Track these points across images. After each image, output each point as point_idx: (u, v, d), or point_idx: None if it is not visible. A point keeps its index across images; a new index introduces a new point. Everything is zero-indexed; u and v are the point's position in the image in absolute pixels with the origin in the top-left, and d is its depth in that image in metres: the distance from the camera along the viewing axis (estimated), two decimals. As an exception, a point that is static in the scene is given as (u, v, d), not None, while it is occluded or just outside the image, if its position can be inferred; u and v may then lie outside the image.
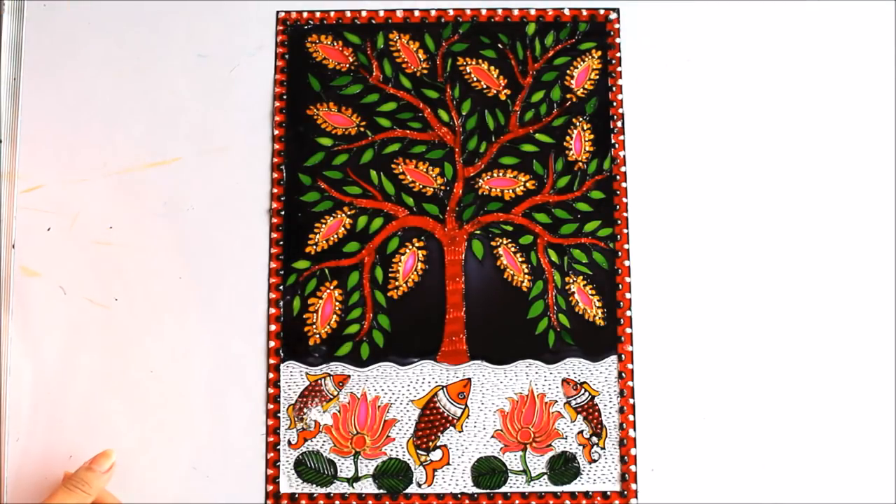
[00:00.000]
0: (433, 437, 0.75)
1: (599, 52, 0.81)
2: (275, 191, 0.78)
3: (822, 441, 0.75)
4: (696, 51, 0.81)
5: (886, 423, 0.75)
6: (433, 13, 0.81)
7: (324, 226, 0.78)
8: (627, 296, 0.77)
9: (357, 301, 0.77)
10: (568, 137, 0.79)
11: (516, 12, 0.81)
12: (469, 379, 0.76)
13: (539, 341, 0.76)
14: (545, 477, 0.74)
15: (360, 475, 0.74)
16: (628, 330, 0.76)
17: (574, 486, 0.74)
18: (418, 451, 0.75)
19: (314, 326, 0.76)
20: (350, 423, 0.75)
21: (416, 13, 0.81)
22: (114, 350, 0.76)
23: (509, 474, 0.74)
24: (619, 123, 0.79)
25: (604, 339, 0.76)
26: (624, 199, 0.78)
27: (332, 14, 0.81)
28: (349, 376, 0.76)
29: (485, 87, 0.80)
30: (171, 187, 0.78)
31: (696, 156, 0.79)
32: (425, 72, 0.80)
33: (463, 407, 0.75)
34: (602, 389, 0.76)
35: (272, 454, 0.75)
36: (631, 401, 0.75)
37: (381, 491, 0.74)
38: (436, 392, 0.75)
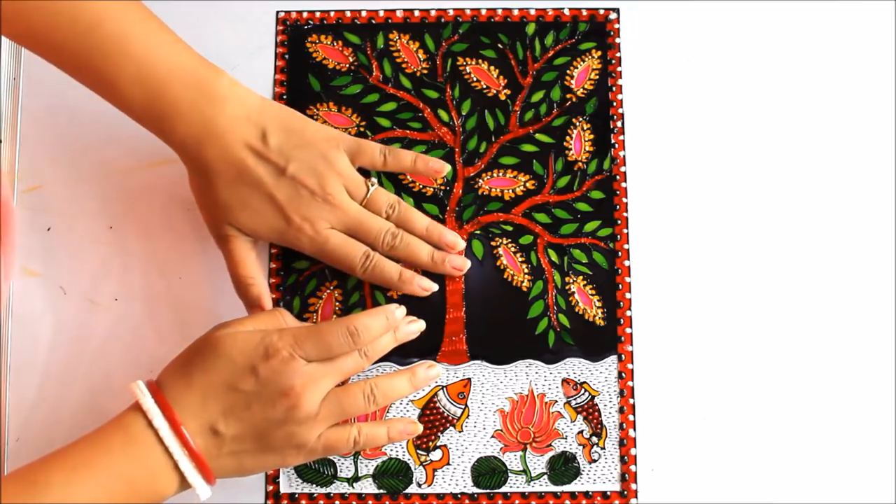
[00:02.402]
0: (433, 437, 0.75)
1: (599, 52, 0.80)
2: (275, 191, 0.78)
3: (822, 441, 0.75)
4: (696, 51, 0.81)
5: (886, 423, 0.75)
6: (433, 13, 0.81)
7: (324, 226, 0.78)
8: (627, 296, 0.77)
9: (357, 301, 0.77)
10: (568, 137, 0.79)
11: (516, 12, 0.81)
12: (469, 379, 0.76)
13: (539, 341, 0.76)
14: (545, 477, 0.74)
15: (360, 475, 0.74)
16: (628, 330, 0.76)
17: (574, 486, 0.74)
18: (418, 451, 0.75)
19: (314, 326, 0.76)
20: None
21: (416, 13, 0.81)
22: (114, 350, 0.76)
23: (509, 474, 0.74)
24: (619, 123, 0.79)
25: (604, 339, 0.76)
26: (624, 199, 0.78)
27: (332, 14, 0.81)
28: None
29: (485, 87, 0.80)
30: (171, 187, 0.78)
31: (696, 156, 0.79)
32: (425, 72, 0.80)
33: (463, 407, 0.75)
34: (602, 389, 0.75)
35: (272, 454, 0.75)
36: (631, 401, 0.75)
37: (381, 491, 0.74)
38: (436, 392, 0.75)
